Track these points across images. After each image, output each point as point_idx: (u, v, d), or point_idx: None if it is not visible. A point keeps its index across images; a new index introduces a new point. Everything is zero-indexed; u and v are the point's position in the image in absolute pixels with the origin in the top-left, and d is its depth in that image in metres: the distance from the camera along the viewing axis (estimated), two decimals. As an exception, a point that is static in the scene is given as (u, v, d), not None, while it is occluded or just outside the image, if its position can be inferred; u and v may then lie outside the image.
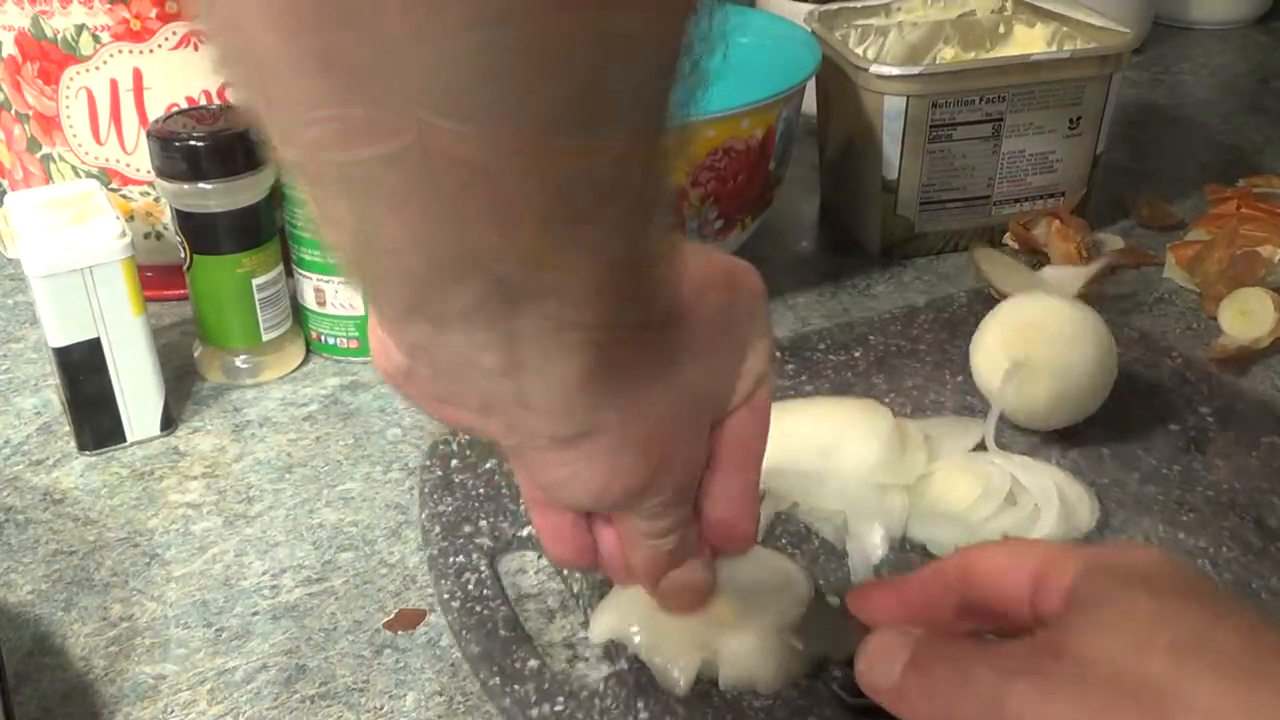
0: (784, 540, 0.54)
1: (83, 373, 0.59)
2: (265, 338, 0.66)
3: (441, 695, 0.47)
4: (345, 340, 0.68)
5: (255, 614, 0.51)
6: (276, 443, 0.62)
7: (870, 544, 0.53)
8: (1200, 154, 0.95)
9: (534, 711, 0.45)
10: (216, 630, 0.51)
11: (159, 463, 0.61)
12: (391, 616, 0.51)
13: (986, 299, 0.71)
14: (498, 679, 0.46)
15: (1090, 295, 0.70)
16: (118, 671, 0.49)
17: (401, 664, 0.49)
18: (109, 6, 0.66)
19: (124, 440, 0.61)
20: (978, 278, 0.72)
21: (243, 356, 0.66)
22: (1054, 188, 0.78)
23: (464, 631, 0.49)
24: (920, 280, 0.76)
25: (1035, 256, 0.76)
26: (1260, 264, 0.71)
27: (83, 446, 0.61)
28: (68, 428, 0.62)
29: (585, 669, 0.48)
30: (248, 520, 0.57)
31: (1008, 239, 0.78)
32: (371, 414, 0.64)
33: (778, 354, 0.67)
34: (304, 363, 0.69)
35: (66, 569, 0.54)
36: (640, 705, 0.45)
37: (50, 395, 0.66)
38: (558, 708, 0.45)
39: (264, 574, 0.54)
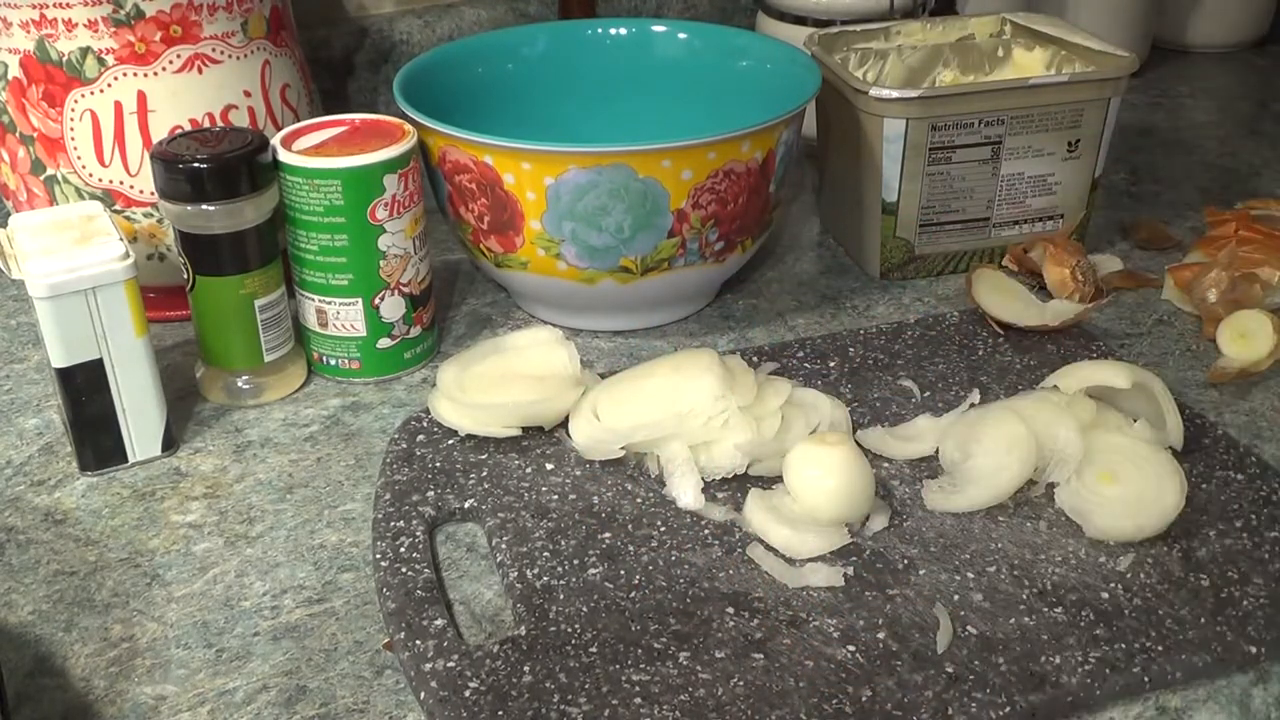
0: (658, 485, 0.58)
1: (85, 393, 0.59)
2: (267, 359, 0.66)
3: (442, 716, 0.47)
4: (347, 361, 0.68)
5: (256, 635, 0.51)
6: (278, 463, 0.62)
7: (725, 457, 0.58)
8: (1199, 177, 0.95)
9: (427, 666, 0.48)
10: (217, 651, 0.51)
11: (160, 483, 0.61)
12: (392, 637, 0.51)
13: (979, 320, 0.71)
14: (404, 634, 0.49)
15: (1086, 320, 0.71)
16: (118, 692, 0.49)
17: (402, 685, 0.49)
18: (114, 30, 0.67)
19: (125, 461, 0.62)
20: (972, 298, 0.72)
21: (244, 377, 0.66)
22: (1053, 210, 0.79)
23: (385, 590, 0.52)
24: (920, 302, 0.77)
25: (1036, 279, 0.76)
26: (1259, 286, 0.71)
27: (84, 467, 0.61)
28: (69, 448, 0.62)
29: (487, 634, 0.50)
30: (249, 541, 0.57)
31: (1006, 262, 0.78)
32: (373, 435, 0.64)
33: (756, 358, 0.68)
34: (305, 384, 0.69)
35: (67, 589, 0.54)
36: (526, 669, 0.47)
37: (52, 416, 0.66)
38: (450, 664, 0.48)
39: (265, 594, 0.54)
